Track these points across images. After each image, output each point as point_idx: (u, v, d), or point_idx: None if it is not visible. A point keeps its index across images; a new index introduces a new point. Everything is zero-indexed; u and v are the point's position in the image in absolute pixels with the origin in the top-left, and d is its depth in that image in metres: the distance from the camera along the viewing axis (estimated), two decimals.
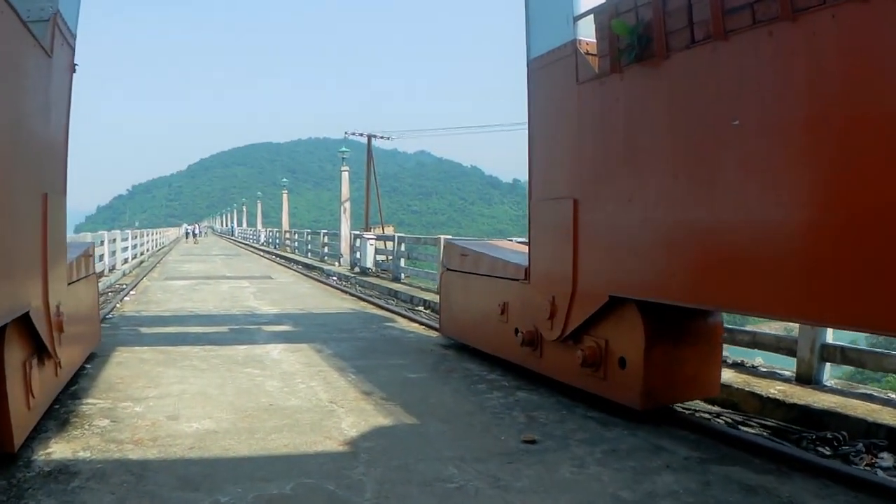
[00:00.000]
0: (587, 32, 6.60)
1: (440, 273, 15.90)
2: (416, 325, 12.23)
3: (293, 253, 37.55)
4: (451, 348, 9.63)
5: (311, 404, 6.39)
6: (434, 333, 10.96)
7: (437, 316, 12.68)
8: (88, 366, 7.97)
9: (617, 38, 5.93)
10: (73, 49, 6.40)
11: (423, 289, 17.30)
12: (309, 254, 33.68)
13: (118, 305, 14.12)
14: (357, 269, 23.75)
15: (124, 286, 18.19)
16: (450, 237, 16.89)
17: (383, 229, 27.08)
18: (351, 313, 13.92)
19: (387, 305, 14.91)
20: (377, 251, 22.64)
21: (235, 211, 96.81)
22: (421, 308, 14.71)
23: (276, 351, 9.22)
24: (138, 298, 15.67)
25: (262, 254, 41.08)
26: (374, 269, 22.36)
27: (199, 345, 9.54)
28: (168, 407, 6.21)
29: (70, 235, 16.59)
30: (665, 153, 5.52)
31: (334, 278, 22.62)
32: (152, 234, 42.04)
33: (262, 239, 54.91)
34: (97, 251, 18.59)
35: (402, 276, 19.96)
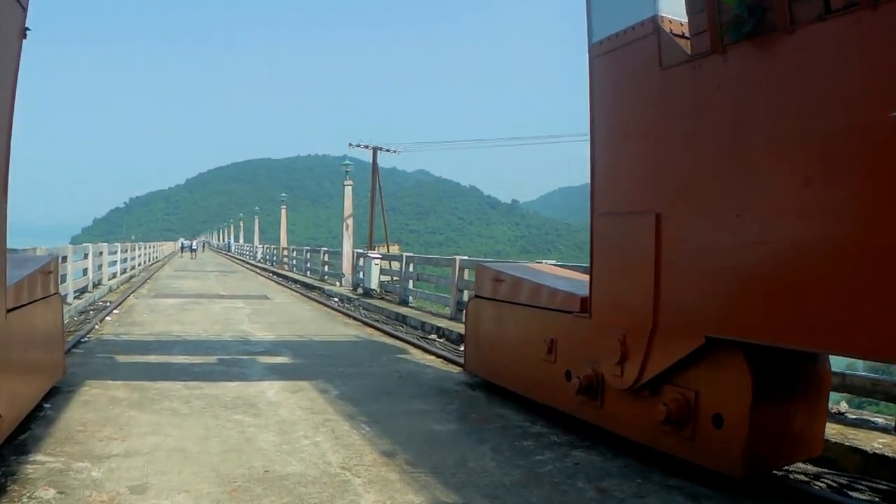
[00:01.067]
0: (671, 8, 5.36)
1: (453, 297, 14.82)
2: (431, 357, 10.90)
3: (291, 271, 36.20)
4: (479, 388, 8.32)
5: (318, 471, 5.02)
6: (455, 368, 9.65)
7: (455, 347, 11.41)
8: (47, 405, 6.67)
9: (718, 11, 4.67)
10: (24, 10, 5.08)
11: (434, 314, 15.95)
12: (308, 272, 32.32)
13: (97, 326, 12.77)
14: (360, 290, 22.44)
15: (108, 304, 16.81)
16: (466, 258, 15.64)
17: (388, 248, 25.53)
18: (357, 342, 12.59)
19: (396, 333, 13.57)
20: (382, 271, 21.32)
21: (232, 226, 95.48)
22: (434, 336, 13.37)
23: (273, 390, 7.87)
24: (121, 319, 14.30)
25: (258, 271, 39.75)
26: (378, 290, 21.05)
27: (183, 380, 8.20)
28: (135, 471, 4.85)
29: (46, 247, 15.23)
30: (791, 153, 4.23)
31: (335, 300, 21.34)
32: (145, 248, 40.65)
33: (259, 256, 53.53)
34: (79, 265, 17.22)
35: (411, 298, 18.63)
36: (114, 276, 24.19)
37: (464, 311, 14.96)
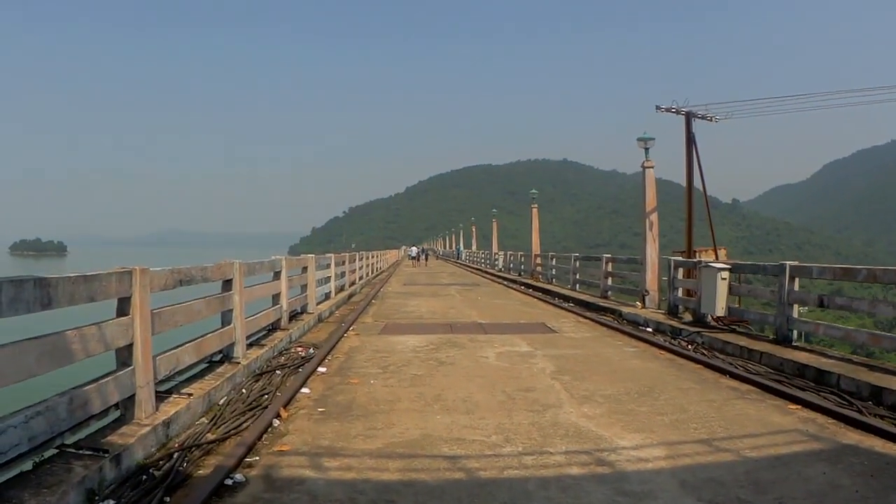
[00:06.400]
0: None
1: None
2: None
3: (549, 283, 29.91)
4: None
5: None
6: None
7: None
8: None
9: None
10: None
11: (871, 367, 8.86)
12: (577, 286, 25.77)
13: (277, 422, 6.71)
14: (688, 317, 15.51)
15: (311, 350, 10.99)
16: None
17: (716, 254, 18.01)
18: (822, 455, 5.92)
19: (874, 423, 6.72)
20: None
21: (462, 232, 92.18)
22: None
23: None
24: (329, 390, 8.30)
25: (505, 283, 33.84)
26: (715, 316, 14.05)
27: None
28: None
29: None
30: None
31: (649, 329, 14.93)
32: (368, 258, 35.81)
33: (501, 264, 47.84)
34: (261, 291, 11.34)
35: (795, 334, 11.44)
36: (326, 297, 18.88)
37: None
